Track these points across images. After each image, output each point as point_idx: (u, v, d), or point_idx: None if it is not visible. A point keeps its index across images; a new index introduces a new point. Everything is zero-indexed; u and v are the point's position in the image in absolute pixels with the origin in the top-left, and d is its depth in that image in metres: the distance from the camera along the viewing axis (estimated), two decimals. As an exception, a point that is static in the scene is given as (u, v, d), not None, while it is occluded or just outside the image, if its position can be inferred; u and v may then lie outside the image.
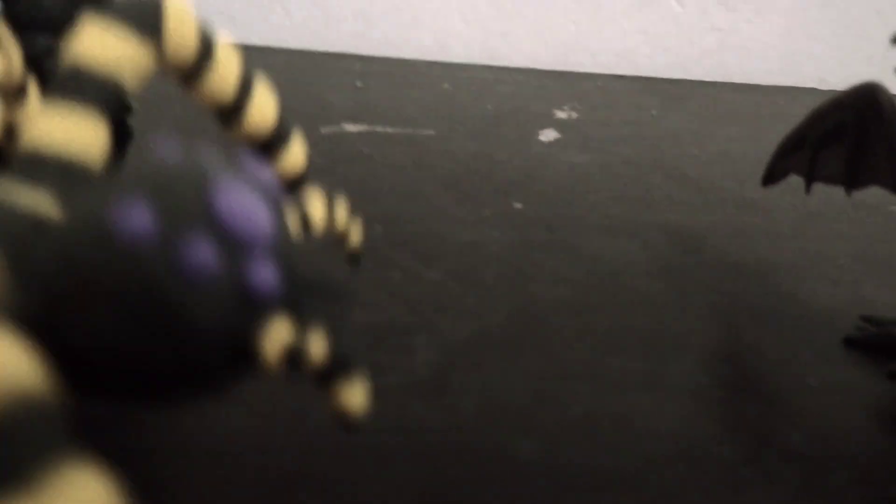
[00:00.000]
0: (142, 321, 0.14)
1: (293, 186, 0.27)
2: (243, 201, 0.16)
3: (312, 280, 0.17)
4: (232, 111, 0.24)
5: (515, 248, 0.42)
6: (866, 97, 0.34)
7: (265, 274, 0.15)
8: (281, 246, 0.16)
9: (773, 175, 0.42)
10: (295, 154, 0.26)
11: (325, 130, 0.57)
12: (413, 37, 0.87)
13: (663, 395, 0.31)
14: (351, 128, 0.59)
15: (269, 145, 0.25)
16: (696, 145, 0.64)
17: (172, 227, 0.15)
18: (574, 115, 0.70)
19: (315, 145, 0.54)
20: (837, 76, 0.97)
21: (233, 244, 0.15)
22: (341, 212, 0.21)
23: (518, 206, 0.48)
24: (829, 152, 0.38)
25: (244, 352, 0.15)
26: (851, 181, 0.37)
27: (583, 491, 0.25)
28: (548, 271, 0.39)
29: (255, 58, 0.77)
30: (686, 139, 0.66)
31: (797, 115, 0.80)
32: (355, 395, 0.16)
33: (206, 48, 0.22)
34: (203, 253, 0.15)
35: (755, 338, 0.36)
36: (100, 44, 0.20)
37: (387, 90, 0.71)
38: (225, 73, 0.23)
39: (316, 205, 0.20)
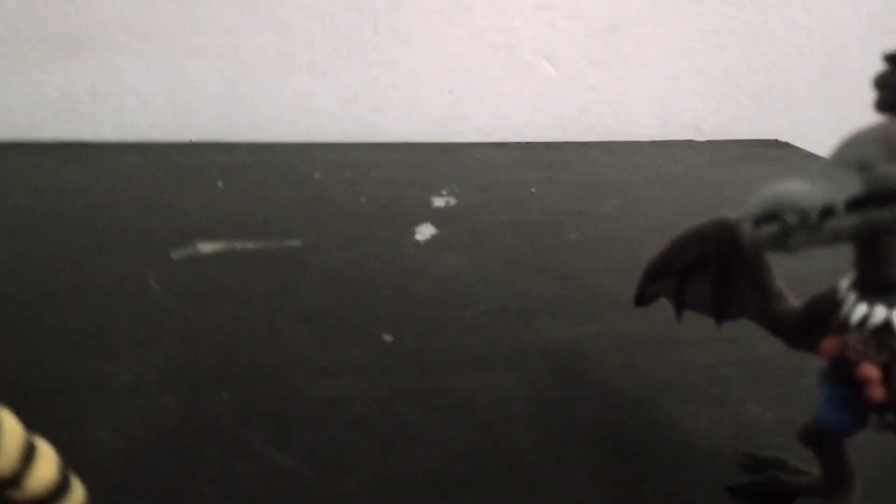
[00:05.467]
0: None
1: None
2: None
3: None
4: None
5: (383, 404, 0.38)
6: (726, 233, 0.33)
7: None
8: None
9: (643, 298, 0.40)
10: None
11: (176, 255, 0.52)
12: (281, 118, 0.83)
13: None
14: (206, 248, 0.54)
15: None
16: (576, 229, 0.63)
17: None
18: (452, 201, 0.67)
19: (162, 279, 0.49)
20: (711, 123, 0.99)
21: None
22: None
23: (388, 338, 0.44)
24: (696, 280, 0.36)
25: None
26: (719, 314, 0.35)
27: None
28: (418, 433, 0.36)
29: (107, 156, 0.71)
30: (566, 223, 0.64)
31: (671, 174, 0.81)
32: None
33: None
34: None
35: (642, 492, 0.33)
36: None
37: (251, 188, 0.67)
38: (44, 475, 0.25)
39: None
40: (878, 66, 0.27)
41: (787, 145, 0.95)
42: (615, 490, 0.33)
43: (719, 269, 0.34)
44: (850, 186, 0.23)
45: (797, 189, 0.23)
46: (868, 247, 0.25)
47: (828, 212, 0.23)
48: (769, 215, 0.23)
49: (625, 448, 0.36)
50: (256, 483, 0.32)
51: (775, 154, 0.90)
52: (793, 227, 0.23)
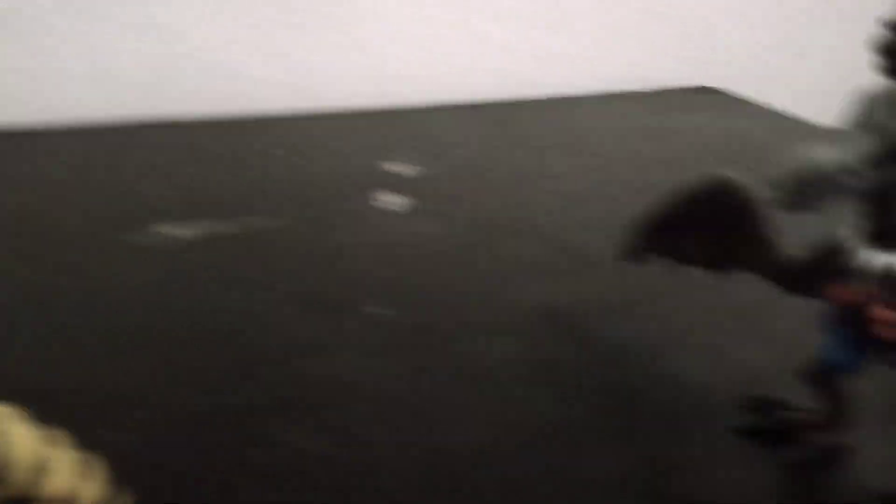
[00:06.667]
0: None
1: None
2: None
3: None
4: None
5: (399, 379, 0.38)
6: (721, 190, 0.34)
7: None
8: None
9: (636, 255, 0.41)
10: None
11: (141, 243, 0.50)
12: (220, 91, 0.80)
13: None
14: (171, 232, 0.52)
15: None
16: (541, 188, 0.64)
17: None
18: (411, 166, 0.67)
19: (133, 271, 0.47)
20: (643, 73, 1.02)
21: None
22: None
23: (385, 312, 0.44)
24: (690, 236, 0.37)
25: None
26: (717, 266, 0.37)
27: None
28: (442, 405, 0.36)
29: (40, 142, 0.67)
30: (530, 182, 0.65)
31: (617, 127, 0.83)
32: None
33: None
34: None
35: (655, 446, 0.35)
36: None
37: (201, 168, 0.64)
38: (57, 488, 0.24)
39: None
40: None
41: (716, 91, 0.98)
42: (641, 444, 0.35)
43: (715, 225, 0.35)
44: (864, 146, 0.25)
45: (821, 154, 0.25)
46: (881, 200, 0.27)
47: (850, 173, 0.25)
48: (795, 178, 0.25)
49: (637, 402, 0.38)
50: (290, 472, 0.32)
51: (707, 100, 0.94)
52: (820, 191, 0.25)
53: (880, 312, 0.27)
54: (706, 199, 0.35)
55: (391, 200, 0.60)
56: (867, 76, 0.26)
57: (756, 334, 0.43)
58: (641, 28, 0.99)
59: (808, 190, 0.25)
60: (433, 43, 0.88)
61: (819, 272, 0.31)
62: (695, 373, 0.40)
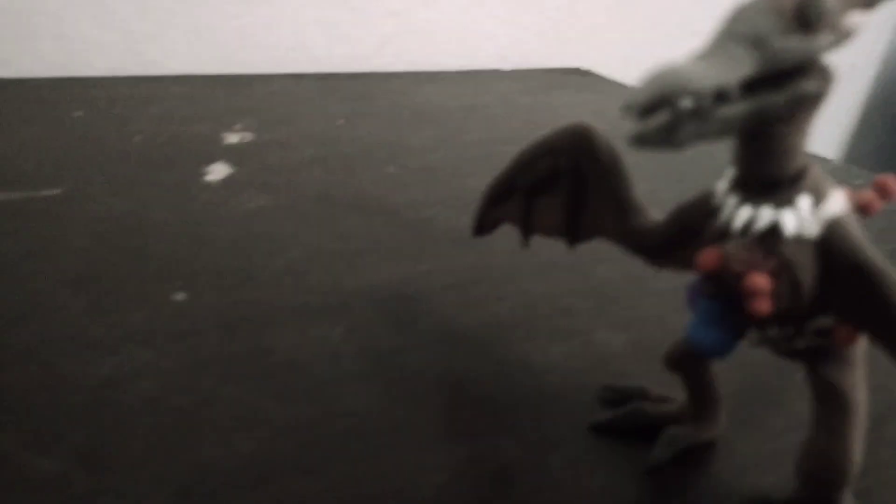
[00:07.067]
0: None
1: None
2: None
3: None
4: None
5: (178, 377, 0.30)
6: (580, 141, 0.28)
7: None
8: None
9: (483, 226, 0.35)
10: None
11: None
12: (27, 48, 0.69)
13: None
14: (-71, 203, 0.42)
15: None
16: (391, 161, 0.57)
17: None
18: (248, 136, 0.59)
19: None
20: (515, 52, 0.97)
21: None
22: None
23: (179, 297, 0.36)
24: (544, 200, 0.31)
25: None
26: (572, 236, 0.31)
27: None
28: (226, 409, 0.29)
29: None
30: (380, 155, 0.58)
31: (482, 104, 0.77)
32: None
33: None
34: None
35: (500, 444, 0.29)
36: None
37: (-8, 130, 0.54)
38: None
39: None
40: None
41: (587, 73, 0.95)
42: (470, 446, 0.28)
43: (572, 185, 0.30)
44: (742, 65, 0.19)
45: (688, 69, 0.19)
46: (754, 139, 0.22)
47: (721, 96, 0.19)
48: (659, 102, 0.19)
49: (475, 396, 0.31)
50: (5, 497, 0.24)
51: (579, 81, 0.90)
52: (685, 116, 0.19)
53: (755, 281, 0.22)
54: (562, 155, 0.30)
55: (217, 171, 0.52)
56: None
57: (613, 317, 0.38)
58: (517, 7, 0.94)
59: (675, 119, 0.19)
60: (288, 11, 0.79)
61: (684, 237, 0.26)
62: (543, 360, 0.34)
